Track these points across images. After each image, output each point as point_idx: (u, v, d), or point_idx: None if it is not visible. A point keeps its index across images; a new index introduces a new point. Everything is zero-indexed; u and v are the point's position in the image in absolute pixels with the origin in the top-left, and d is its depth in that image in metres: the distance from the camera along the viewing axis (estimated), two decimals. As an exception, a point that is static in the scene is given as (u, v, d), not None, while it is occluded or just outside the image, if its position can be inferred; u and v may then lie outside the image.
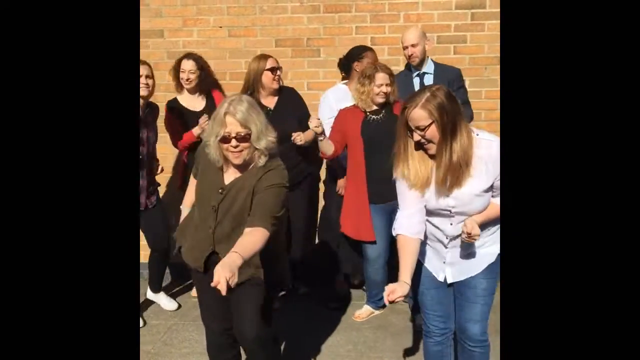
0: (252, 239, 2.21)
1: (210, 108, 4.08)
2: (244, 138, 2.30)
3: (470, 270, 2.45)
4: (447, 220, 2.36)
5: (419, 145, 2.24)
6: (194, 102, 4.07)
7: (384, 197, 3.43)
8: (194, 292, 4.33)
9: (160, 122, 4.04)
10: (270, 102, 3.83)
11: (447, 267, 2.47)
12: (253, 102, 2.38)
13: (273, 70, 3.79)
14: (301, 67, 4.31)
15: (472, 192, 2.26)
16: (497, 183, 2.25)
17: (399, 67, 4.22)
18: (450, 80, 3.79)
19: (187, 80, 3.98)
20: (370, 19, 4.34)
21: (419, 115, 2.17)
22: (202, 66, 4.04)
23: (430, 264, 2.52)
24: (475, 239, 2.29)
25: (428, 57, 3.91)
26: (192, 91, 4.06)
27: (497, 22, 4.23)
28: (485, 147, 2.24)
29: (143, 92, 3.60)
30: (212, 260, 2.47)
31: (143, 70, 3.62)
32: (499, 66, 4.19)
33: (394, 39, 4.31)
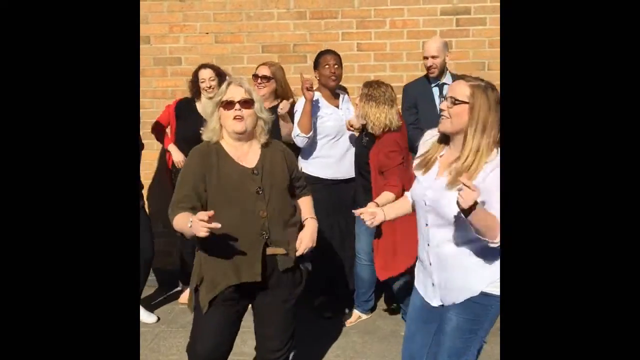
0: (310, 202, 2.63)
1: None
2: (247, 103, 2.36)
3: (458, 294, 2.19)
4: (423, 218, 2.24)
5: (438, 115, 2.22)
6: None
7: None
8: (181, 299, 4.33)
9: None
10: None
11: (436, 290, 2.26)
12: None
13: (255, 77, 3.85)
14: (288, 73, 4.31)
15: (450, 188, 2.10)
16: (489, 201, 2.04)
17: (384, 73, 4.25)
18: None
19: (210, 87, 4.02)
20: (356, 25, 4.36)
21: (461, 89, 2.11)
22: (219, 72, 4.10)
23: (420, 285, 2.37)
24: (462, 200, 1.92)
25: (447, 68, 3.92)
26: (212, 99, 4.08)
27: (482, 28, 4.28)
28: (493, 164, 2.09)
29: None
30: (267, 262, 2.39)
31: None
32: (484, 71, 4.26)
33: (380, 44, 4.34)
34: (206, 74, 4.04)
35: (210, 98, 4.01)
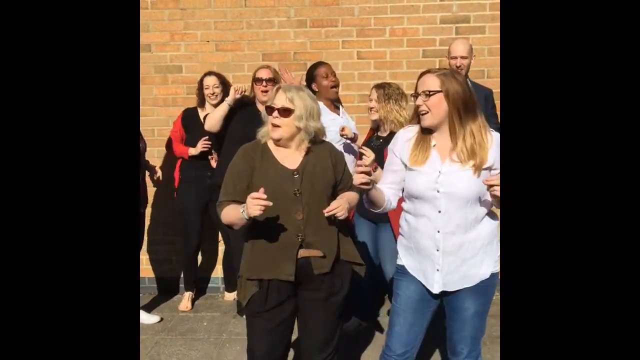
0: (354, 195, 2.48)
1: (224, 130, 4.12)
2: (286, 111, 2.34)
3: (464, 280, 2.29)
4: (435, 207, 2.25)
5: (416, 113, 2.26)
6: None
7: (370, 214, 3.48)
8: (181, 306, 4.33)
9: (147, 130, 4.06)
10: None
11: (439, 275, 2.29)
12: (310, 93, 2.47)
13: (258, 80, 3.80)
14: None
15: (463, 170, 2.21)
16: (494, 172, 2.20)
17: (384, 81, 4.26)
18: (484, 99, 3.79)
19: (214, 94, 4.09)
20: (356, 34, 4.39)
21: (431, 81, 2.20)
22: (224, 81, 4.16)
23: (419, 273, 2.36)
24: (498, 191, 2.06)
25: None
26: (216, 106, 4.11)
27: (481, 37, 4.31)
28: (492, 133, 2.24)
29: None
30: (301, 264, 2.37)
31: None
32: (484, 79, 4.28)
33: (380, 53, 4.37)
34: (211, 82, 4.10)
35: (214, 105, 4.07)
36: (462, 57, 3.81)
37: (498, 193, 2.05)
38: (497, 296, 4.39)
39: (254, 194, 2.16)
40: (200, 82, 4.16)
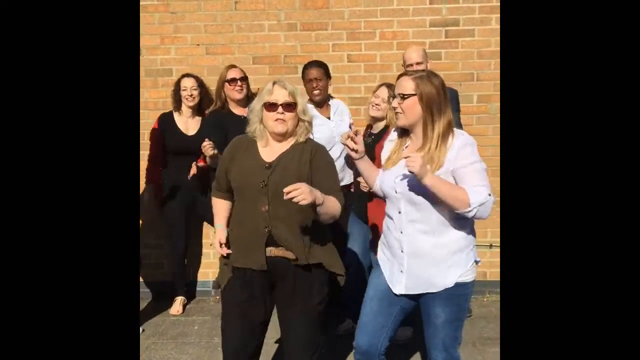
0: (333, 200, 2.33)
1: (201, 134, 4.12)
2: (290, 106, 2.37)
3: (427, 285, 2.30)
4: (396, 207, 2.33)
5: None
6: (188, 125, 4.19)
7: (362, 214, 3.49)
8: (172, 310, 4.31)
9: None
10: (243, 111, 3.77)
11: (403, 277, 2.33)
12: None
13: (232, 81, 3.77)
14: (279, 84, 4.34)
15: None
16: (462, 173, 2.20)
17: (375, 84, 4.26)
18: (454, 101, 3.82)
19: (191, 96, 4.10)
20: (346, 37, 4.40)
21: (406, 84, 2.26)
22: (201, 84, 4.17)
23: (386, 270, 2.41)
24: (411, 164, 2.12)
25: None
26: (194, 109, 4.14)
27: (470, 40, 4.33)
28: (457, 134, 2.27)
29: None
30: (273, 262, 2.39)
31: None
32: (473, 82, 4.31)
33: (370, 56, 4.38)
34: (189, 83, 4.11)
35: (191, 107, 4.09)
36: (418, 64, 3.80)
37: (412, 168, 2.10)
38: (487, 297, 4.45)
39: (221, 238, 2.47)
40: (177, 83, 4.15)
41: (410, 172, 2.14)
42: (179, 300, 4.36)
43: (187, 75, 4.17)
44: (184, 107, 4.18)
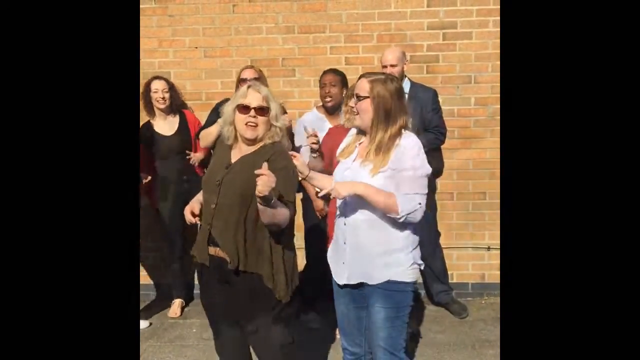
0: (282, 211, 2.21)
1: (182, 129, 4.12)
2: (263, 110, 2.34)
3: (364, 275, 2.33)
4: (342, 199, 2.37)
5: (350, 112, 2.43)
6: (167, 126, 4.15)
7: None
8: (170, 312, 4.30)
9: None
10: None
11: (345, 268, 2.38)
12: None
13: (242, 81, 3.72)
14: (276, 86, 4.34)
15: (363, 169, 2.28)
16: (399, 177, 2.23)
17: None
18: (425, 100, 3.85)
19: (163, 99, 4.06)
20: (344, 39, 4.40)
21: (362, 86, 2.30)
22: (172, 85, 4.15)
23: (333, 265, 2.49)
24: (335, 194, 2.23)
25: (405, 76, 3.96)
26: (166, 111, 4.12)
27: (468, 42, 4.34)
28: (403, 137, 2.28)
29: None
30: (217, 262, 2.36)
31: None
32: (471, 85, 4.31)
33: (367, 58, 4.38)
34: (160, 85, 4.07)
35: (162, 110, 4.08)
36: (392, 66, 3.81)
37: (338, 196, 2.26)
38: (485, 300, 4.46)
39: (194, 208, 2.47)
40: (147, 85, 4.09)
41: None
42: (177, 303, 4.36)
43: (157, 77, 4.12)
44: (155, 110, 4.12)
